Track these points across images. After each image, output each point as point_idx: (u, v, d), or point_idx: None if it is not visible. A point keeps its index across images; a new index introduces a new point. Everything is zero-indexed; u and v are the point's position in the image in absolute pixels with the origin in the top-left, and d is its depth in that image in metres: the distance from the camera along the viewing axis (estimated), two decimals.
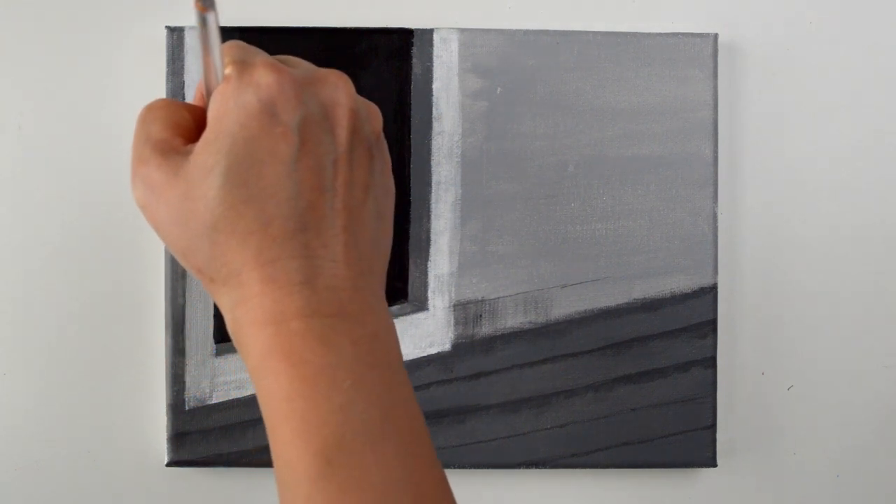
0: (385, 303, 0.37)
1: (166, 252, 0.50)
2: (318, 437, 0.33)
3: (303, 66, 0.38)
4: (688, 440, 0.51)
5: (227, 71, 0.35)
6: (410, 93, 0.50)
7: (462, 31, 0.50)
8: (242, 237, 0.35)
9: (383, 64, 0.50)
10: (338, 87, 0.36)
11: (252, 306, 0.35)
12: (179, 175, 0.35)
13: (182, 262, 0.37)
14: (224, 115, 0.35)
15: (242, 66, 0.35)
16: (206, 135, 0.35)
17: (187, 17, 0.50)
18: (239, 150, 0.34)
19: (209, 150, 0.35)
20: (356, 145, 0.37)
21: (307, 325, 0.34)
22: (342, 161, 0.36)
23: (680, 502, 0.52)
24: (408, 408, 0.35)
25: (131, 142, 0.36)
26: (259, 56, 0.36)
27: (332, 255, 0.35)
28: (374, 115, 0.38)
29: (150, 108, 0.37)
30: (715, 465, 0.51)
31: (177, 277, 0.49)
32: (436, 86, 0.50)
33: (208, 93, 0.36)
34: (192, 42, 0.49)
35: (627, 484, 0.52)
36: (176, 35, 0.49)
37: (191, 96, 0.49)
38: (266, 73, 0.35)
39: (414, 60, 0.50)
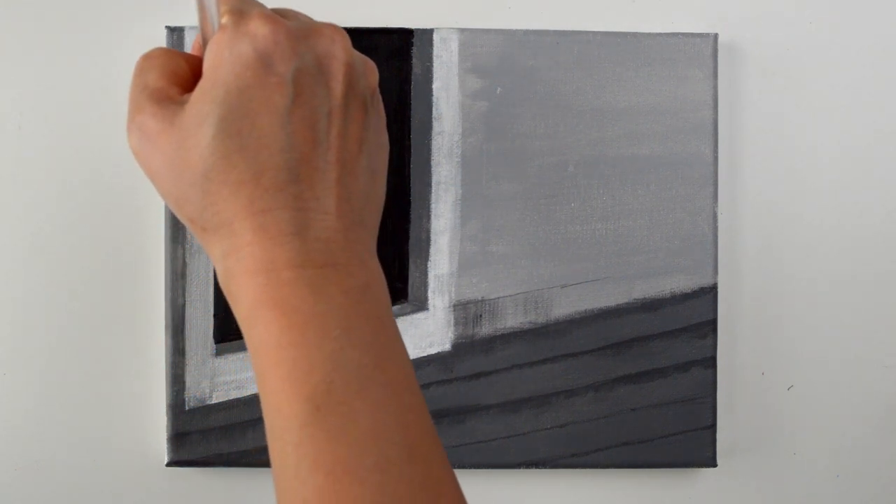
0: (376, 258, 0.37)
1: (166, 252, 0.50)
2: (307, 383, 0.33)
3: (300, 18, 0.38)
4: (688, 440, 0.51)
5: (224, 20, 0.35)
6: (410, 93, 0.50)
7: (462, 31, 0.50)
8: (234, 187, 0.35)
9: (383, 64, 0.50)
10: (334, 41, 0.37)
11: (243, 255, 0.35)
12: (174, 124, 0.35)
13: (175, 211, 0.37)
14: (219, 64, 0.35)
15: (239, 15, 0.35)
16: (202, 84, 0.35)
17: (187, 17, 0.50)
18: (233, 99, 0.34)
19: (204, 100, 0.35)
20: (351, 99, 0.37)
21: (298, 275, 0.34)
22: (336, 114, 0.36)
23: (680, 502, 0.52)
24: (397, 357, 0.35)
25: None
26: (256, 7, 0.36)
27: (323, 207, 0.35)
28: (370, 70, 0.38)
29: (148, 57, 0.37)
30: (715, 465, 0.51)
31: (177, 277, 0.49)
32: (436, 86, 0.50)
33: (204, 42, 0.36)
34: (191, 42, 0.49)
35: (627, 484, 0.52)
36: (176, 35, 0.49)
37: None
38: (262, 23, 0.35)
39: (414, 60, 0.50)
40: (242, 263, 0.35)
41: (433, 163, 0.50)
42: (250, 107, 0.35)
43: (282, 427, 0.34)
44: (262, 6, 0.36)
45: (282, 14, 0.38)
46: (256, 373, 0.35)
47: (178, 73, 0.36)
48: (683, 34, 0.51)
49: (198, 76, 0.36)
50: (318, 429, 0.33)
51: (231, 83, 0.34)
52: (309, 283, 0.34)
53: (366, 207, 0.37)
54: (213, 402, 0.50)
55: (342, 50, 0.37)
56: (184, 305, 0.50)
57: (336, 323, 0.34)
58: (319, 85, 0.36)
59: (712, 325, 0.51)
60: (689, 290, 0.51)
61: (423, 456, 0.34)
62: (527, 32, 0.50)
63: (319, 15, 0.51)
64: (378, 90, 0.39)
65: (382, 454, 0.33)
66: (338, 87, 0.36)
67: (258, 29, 0.35)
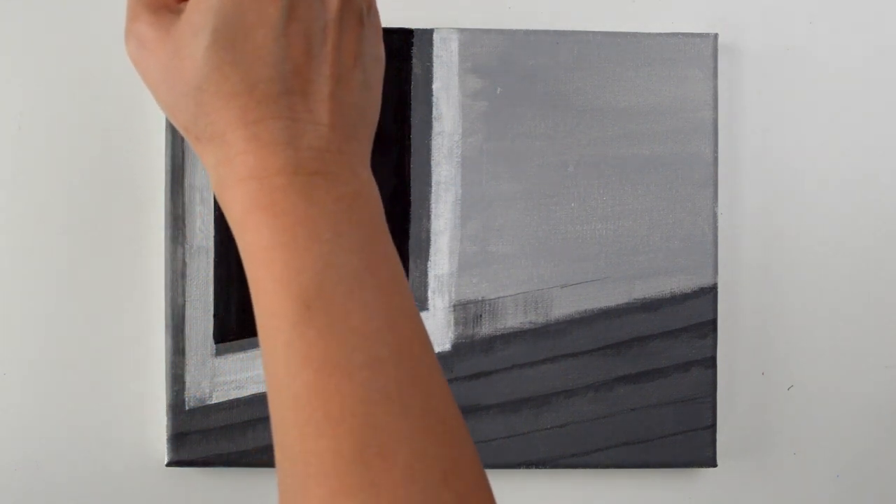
0: (369, 169, 0.37)
1: (166, 252, 0.50)
2: (297, 283, 0.34)
3: None
4: (688, 440, 0.51)
5: None
6: (410, 93, 0.50)
7: (462, 31, 0.50)
8: (227, 98, 0.35)
9: None
10: None
11: (236, 164, 0.35)
12: (170, 33, 0.35)
13: (170, 119, 0.37)
14: None
15: None
16: None
17: None
18: (228, 11, 0.35)
19: (199, 9, 0.35)
20: (346, 12, 0.37)
21: (289, 181, 0.35)
22: (331, 27, 0.36)
23: (680, 502, 0.52)
24: (388, 262, 0.36)
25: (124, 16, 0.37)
26: None
27: (316, 118, 0.36)
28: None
29: None
30: (715, 465, 0.51)
31: (177, 277, 0.49)
32: (436, 86, 0.50)
33: None
34: None
35: (627, 484, 0.52)
36: None
37: None
38: None
39: (414, 60, 0.50)
40: (235, 171, 0.35)
41: (433, 163, 0.50)
42: (245, 19, 0.35)
43: (273, 327, 0.34)
44: None
45: None
46: (249, 277, 0.35)
47: None
48: (683, 34, 0.51)
49: None
50: (308, 327, 0.33)
51: None
52: (300, 189, 0.35)
53: (359, 120, 0.37)
54: (213, 402, 0.50)
55: None
56: (184, 305, 0.50)
57: (326, 227, 0.34)
58: None
59: (712, 325, 0.51)
60: (689, 290, 0.51)
61: (411, 355, 0.34)
62: (527, 32, 0.50)
63: None
64: (375, 3, 0.39)
65: (371, 352, 0.33)
66: (334, 2, 0.36)
67: None
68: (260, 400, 0.50)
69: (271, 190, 0.34)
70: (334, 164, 0.36)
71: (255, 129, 0.35)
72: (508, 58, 0.50)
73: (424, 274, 0.50)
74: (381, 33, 0.39)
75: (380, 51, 0.39)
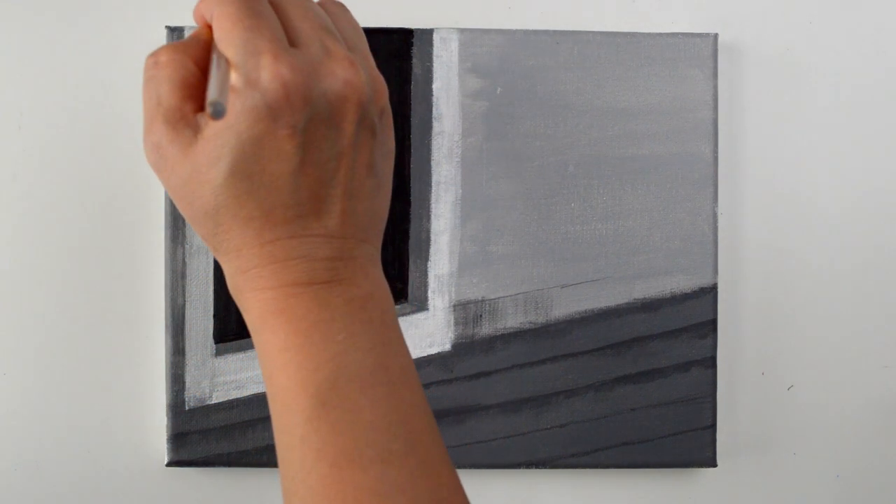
0: (380, 266, 0.39)
1: (166, 252, 0.49)
2: (312, 382, 0.35)
3: (312, 46, 0.36)
4: (688, 440, 0.51)
5: (233, 80, 0.35)
6: (410, 93, 0.50)
7: (462, 31, 0.50)
8: (244, 221, 0.36)
9: (383, 64, 0.50)
10: (347, 83, 0.36)
11: (252, 276, 0.37)
12: (188, 155, 0.36)
13: (190, 225, 0.39)
14: (231, 111, 0.35)
15: (246, 75, 0.35)
16: (216, 125, 0.35)
17: (187, 17, 0.50)
18: (245, 147, 0.35)
19: (217, 142, 0.35)
20: (361, 132, 0.37)
21: (304, 290, 0.36)
22: (346, 153, 0.37)
23: (680, 502, 0.52)
24: (399, 358, 0.37)
25: (142, 103, 0.37)
26: (262, 57, 0.35)
27: (329, 231, 0.37)
28: (379, 92, 0.38)
29: (158, 65, 0.37)
30: (715, 465, 0.51)
31: (177, 277, 0.49)
32: (436, 86, 0.50)
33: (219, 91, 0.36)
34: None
35: (627, 484, 0.52)
36: (176, 35, 0.49)
37: None
38: (272, 76, 0.35)
39: (414, 60, 0.50)
40: (251, 282, 0.37)
41: (433, 163, 0.50)
42: (262, 155, 0.35)
43: (289, 423, 0.36)
44: (272, 43, 0.35)
45: (294, 35, 0.37)
46: (264, 374, 0.37)
47: (190, 81, 0.36)
48: (683, 34, 0.51)
49: (206, 64, 0.37)
50: (323, 422, 0.35)
51: (243, 132, 0.35)
52: (314, 296, 0.36)
53: (371, 223, 0.39)
54: (213, 402, 0.50)
55: (354, 90, 0.36)
56: (184, 305, 0.50)
57: (340, 328, 0.36)
58: (330, 128, 0.36)
59: (712, 325, 0.51)
60: (689, 290, 0.51)
61: (423, 448, 0.36)
62: (527, 32, 0.50)
63: None
64: (388, 103, 0.39)
65: (384, 446, 0.35)
66: (349, 127, 0.37)
67: (269, 83, 0.35)
68: (260, 400, 0.50)
69: (286, 297, 0.36)
70: (346, 271, 0.37)
71: (270, 248, 0.36)
72: (508, 58, 0.50)
73: (424, 274, 0.50)
74: (392, 128, 0.40)
75: (391, 143, 0.40)
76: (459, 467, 0.50)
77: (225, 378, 0.50)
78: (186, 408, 0.50)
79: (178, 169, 0.36)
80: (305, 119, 0.35)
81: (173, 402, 0.50)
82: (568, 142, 0.50)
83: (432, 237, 0.50)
